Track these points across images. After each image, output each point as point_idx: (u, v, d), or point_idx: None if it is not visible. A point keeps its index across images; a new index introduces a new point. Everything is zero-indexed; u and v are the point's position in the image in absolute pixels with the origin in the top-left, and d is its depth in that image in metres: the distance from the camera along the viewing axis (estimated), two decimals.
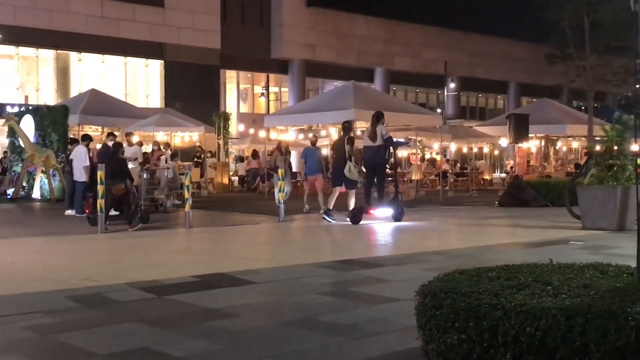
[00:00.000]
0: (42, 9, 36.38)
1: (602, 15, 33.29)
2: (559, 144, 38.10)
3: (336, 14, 48.28)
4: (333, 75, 47.67)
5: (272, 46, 46.79)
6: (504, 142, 33.75)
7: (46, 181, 22.63)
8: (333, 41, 48.38)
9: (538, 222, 14.59)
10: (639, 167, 9.11)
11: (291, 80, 48.01)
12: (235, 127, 41.37)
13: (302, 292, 7.03)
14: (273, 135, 30.12)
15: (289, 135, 26.39)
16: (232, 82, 47.67)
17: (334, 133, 27.76)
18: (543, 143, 34.60)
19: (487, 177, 37.82)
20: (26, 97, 36.03)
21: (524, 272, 4.61)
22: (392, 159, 15.54)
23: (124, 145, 21.38)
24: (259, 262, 9.12)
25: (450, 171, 34.49)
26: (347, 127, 15.93)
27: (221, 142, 31.35)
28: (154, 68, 41.69)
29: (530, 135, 25.47)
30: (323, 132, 25.70)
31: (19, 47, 37.08)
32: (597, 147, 14.56)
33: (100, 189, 13.15)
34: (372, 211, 14.77)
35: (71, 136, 23.01)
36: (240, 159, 36.65)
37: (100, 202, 13.11)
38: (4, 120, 23.93)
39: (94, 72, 39.16)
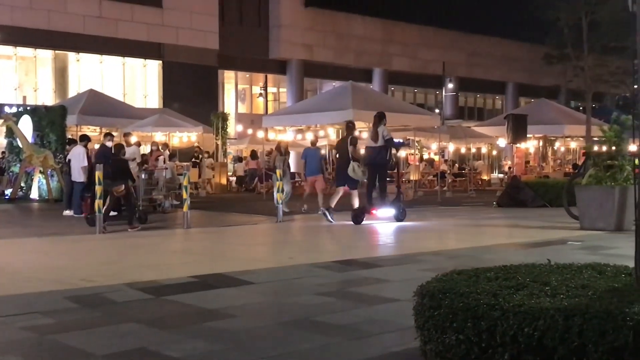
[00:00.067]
0: (40, 10, 36.35)
1: (600, 16, 33.33)
2: (557, 145, 38.11)
3: (334, 14, 48.28)
4: (331, 76, 47.65)
5: (270, 46, 46.79)
6: (502, 142, 33.74)
7: (44, 181, 22.62)
8: (331, 41, 48.38)
9: (536, 222, 14.60)
10: (637, 167, 9.12)
11: (289, 81, 48.01)
12: (233, 128, 41.38)
13: (301, 292, 7.03)
14: (271, 135, 30.12)
15: (287, 135, 26.38)
16: (231, 83, 47.66)
17: (332, 133, 27.78)
18: (541, 143, 34.62)
19: (485, 177, 37.84)
20: (24, 98, 35.99)
21: (522, 272, 4.61)
22: (393, 160, 15.57)
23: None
24: (257, 263, 9.11)
25: (449, 171, 34.51)
26: (351, 127, 15.95)
27: (219, 142, 31.35)
28: (152, 68, 41.67)
29: (528, 135, 25.48)
30: (321, 133, 25.70)
31: (17, 48, 37.02)
32: (595, 148, 14.58)
33: (98, 189, 13.14)
34: (374, 211, 14.80)
35: (69, 136, 23.01)
36: (238, 159, 36.65)
37: (98, 203, 13.11)
38: (2, 120, 23.91)
39: (92, 72, 39.12)
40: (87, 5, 37.76)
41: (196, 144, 30.89)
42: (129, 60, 40.80)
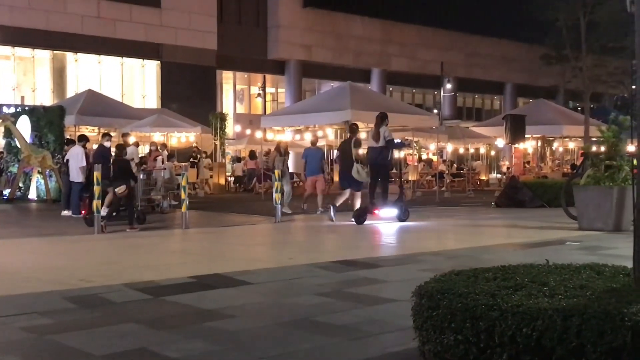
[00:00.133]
0: (39, 10, 36.31)
1: (599, 16, 33.30)
2: (555, 145, 38.13)
3: (333, 14, 48.26)
4: (330, 76, 47.63)
5: (269, 47, 46.77)
6: (500, 142, 33.74)
7: (42, 182, 22.60)
8: (330, 42, 48.36)
9: (534, 222, 14.61)
10: (636, 167, 9.13)
11: (288, 81, 47.98)
12: (231, 128, 41.35)
13: (300, 292, 7.04)
14: (269, 135, 30.12)
15: (285, 135, 26.39)
16: (229, 83, 47.64)
17: (331, 134, 27.79)
18: (539, 144, 34.63)
19: (483, 177, 37.85)
20: (22, 98, 35.93)
21: (521, 272, 4.62)
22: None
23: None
24: (256, 263, 9.12)
25: (447, 172, 34.51)
26: (354, 128, 15.97)
27: (218, 142, 31.33)
28: (151, 69, 41.64)
29: (526, 136, 25.48)
30: (320, 133, 25.71)
31: (15, 48, 36.98)
32: (594, 148, 14.60)
33: (96, 189, 13.14)
34: (376, 211, 14.83)
35: (67, 137, 22.99)
36: (237, 159, 36.63)
37: (97, 203, 13.11)
38: (0, 120, 23.88)
39: (90, 72, 39.09)
40: (85, 5, 37.73)
41: (194, 144, 30.88)
42: (128, 61, 40.77)
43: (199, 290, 7.10)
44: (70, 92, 37.27)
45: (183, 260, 9.97)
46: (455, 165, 39.90)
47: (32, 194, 23.16)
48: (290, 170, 23.62)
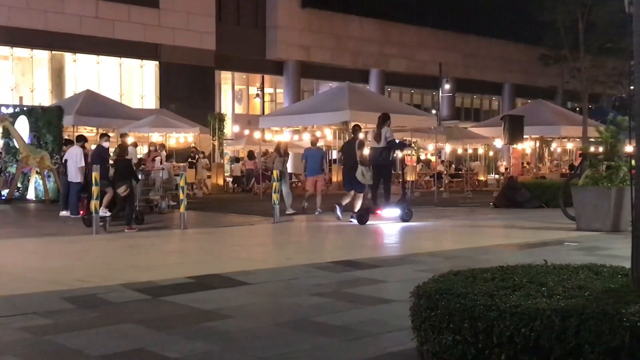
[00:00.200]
0: (37, 10, 36.28)
1: (597, 17, 33.36)
2: (553, 145, 38.18)
3: (331, 15, 48.25)
4: (328, 77, 47.64)
5: (267, 47, 46.76)
6: (498, 143, 33.77)
7: (41, 182, 22.58)
8: (328, 42, 48.35)
9: (532, 223, 14.61)
10: (634, 168, 9.13)
11: (286, 82, 47.98)
12: (230, 128, 41.32)
13: (298, 293, 7.04)
14: (268, 136, 30.14)
15: (284, 136, 26.41)
16: (227, 83, 47.64)
17: (329, 134, 27.83)
18: (538, 144, 34.67)
19: (481, 178, 37.86)
20: (21, 98, 35.91)
21: (519, 273, 4.62)
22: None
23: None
24: (254, 263, 9.12)
25: (445, 172, 34.52)
26: (357, 129, 15.97)
27: (216, 143, 31.33)
28: (149, 69, 41.63)
29: (525, 136, 25.50)
30: (318, 133, 25.73)
31: (14, 48, 36.96)
32: (592, 149, 14.61)
33: (94, 190, 13.13)
34: (379, 212, 14.85)
35: (66, 137, 22.97)
36: (235, 159, 36.62)
37: (95, 203, 13.10)
38: None
39: (88, 73, 39.07)
40: (84, 5, 37.70)
41: (193, 145, 30.87)
42: (126, 61, 40.75)
43: (198, 291, 7.09)
44: (68, 93, 37.25)
45: (181, 260, 9.97)
46: (453, 165, 39.91)
47: (31, 195, 23.14)
48: (289, 170, 23.62)
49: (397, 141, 15.62)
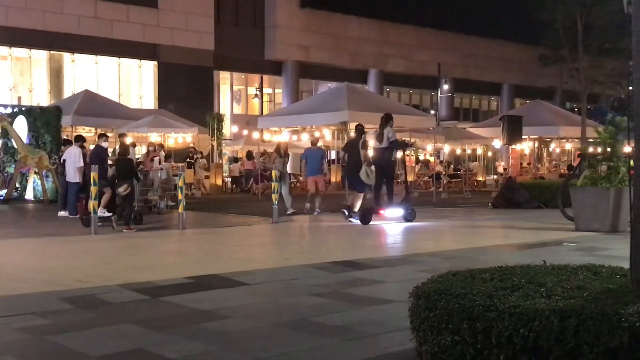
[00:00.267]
0: (35, 10, 36.25)
1: (596, 17, 33.37)
2: (552, 146, 38.20)
3: (330, 15, 48.25)
4: (327, 77, 47.64)
5: (266, 47, 46.75)
6: (497, 143, 33.80)
7: (39, 182, 22.56)
8: (327, 42, 48.35)
9: (531, 223, 14.62)
10: (632, 168, 9.13)
11: (285, 82, 47.98)
12: (228, 128, 41.32)
13: (296, 293, 7.04)
14: (267, 136, 30.12)
15: (282, 136, 26.41)
16: (226, 84, 47.62)
17: (328, 134, 27.82)
18: (536, 145, 34.68)
19: (480, 178, 37.88)
20: (19, 98, 35.89)
21: (518, 273, 4.62)
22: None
23: (117, 146, 21.42)
24: (252, 264, 9.11)
25: (444, 173, 34.53)
26: (360, 129, 15.97)
27: (215, 143, 31.32)
28: (148, 69, 41.61)
29: (523, 136, 25.52)
30: (317, 134, 25.73)
31: (12, 48, 36.93)
32: (590, 149, 14.61)
33: (93, 190, 13.13)
34: (381, 211, 14.87)
35: (64, 137, 22.96)
36: (234, 160, 36.62)
37: (93, 204, 13.10)
38: None
39: (87, 73, 39.06)
40: (82, 5, 37.68)
41: (191, 145, 30.87)
42: (125, 61, 40.73)
43: (196, 291, 7.09)
44: (67, 93, 37.24)
45: (180, 260, 9.97)
46: (452, 166, 39.93)
47: (29, 195, 23.12)
48: (288, 171, 23.61)
49: (399, 141, 15.68)
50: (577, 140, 33.98)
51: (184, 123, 29.89)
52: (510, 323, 3.65)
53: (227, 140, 37.98)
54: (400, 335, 4.95)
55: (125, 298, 6.77)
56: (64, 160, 17.78)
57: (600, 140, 13.25)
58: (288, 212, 17.09)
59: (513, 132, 22.54)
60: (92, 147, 18.03)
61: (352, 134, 20.90)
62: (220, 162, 32.72)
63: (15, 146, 23.06)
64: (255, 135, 29.91)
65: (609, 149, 13.00)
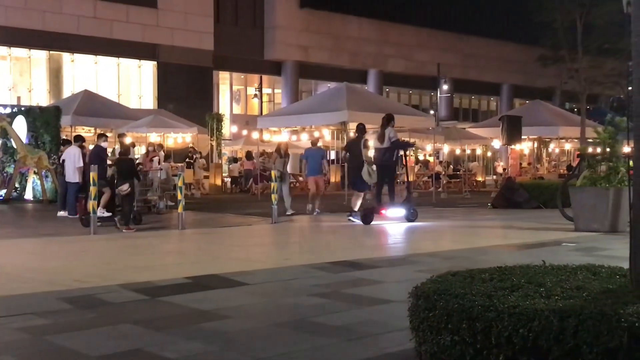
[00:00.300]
0: (35, 10, 36.25)
1: (595, 18, 33.37)
2: (551, 146, 38.21)
3: (329, 15, 48.25)
4: (326, 77, 47.65)
5: (265, 47, 46.75)
6: (496, 143, 33.81)
7: (38, 182, 22.56)
8: (326, 43, 48.35)
9: (531, 223, 14.62)
10: (632, 169, 9.14)
11: (284, 82, 47.99)
12: (228, 129, 41.34)
13: (295, 293, 7.04)
14: (266, 136, 30.11)
15: (282, 136, 26.41)
16: (225, 84, 47.63)
17: (327, 134, 27.82)
18: (536, 145, 34.69)
19: (480, 178, 37.89)
20: (18, 98, 35.88)
21: (517, 273, 4.62)
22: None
23: (116, 146, 21.42)
24: (252, 264, 9.11)
25: (443, 173, 34.54)
26: (361, 128, 15.98)
27: (214, 143, 31.33)
28: (147, 69, 41.61)
29: (523, 137, 25.52)
30: (316, 134, 25.73)
31: (11, 48, 36.94)
32: (590, 149, 14.62)
33: (92, 190, 13.12)
34: (383, 211, 14.89)
35: (64, 137, 22.96)
36: (233, 160, 36.63)
37: (93, 204, 13.09)
38: None
39: (86, 73, 39.06)
40: (81, 5, 37.68)
41: (191, 145, 30.87)
42: (124, 61, 40.73)
43: (196, 291, 7.09)
44: (66, 93, 37.25)
45: (179, 260, 9.96)
46: (451, 166, 39.95)
47: (28, 195, 23.12)
48: (288, 171, 23.61)
49: (402, 141, 15.71)
50: (576, 140, 33.99)
51: (183, 123, 29.89)
52: (510, 323, 3.65)
53: (226, 140, 37.99)
54: (400, 335, 4.95)
55: (124, 298, 6.77)
56: (63, 160, 17.78)
57: (600, 141, 13.25)
58: (287, 213, 17.08)
59: (512, 132, 22.55)
60: (91, 147, 18.03)
61: (352, 134, 20.93)
62: (220, 162, 32.73)
63: (14, 146, 23.06)
64: (255, 135, 29.91)
65: (608, 149, 13.00)
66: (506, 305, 3.74)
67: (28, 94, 37.22)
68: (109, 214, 14.57)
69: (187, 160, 29.35)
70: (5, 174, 24.15)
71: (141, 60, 41.13)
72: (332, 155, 34.07)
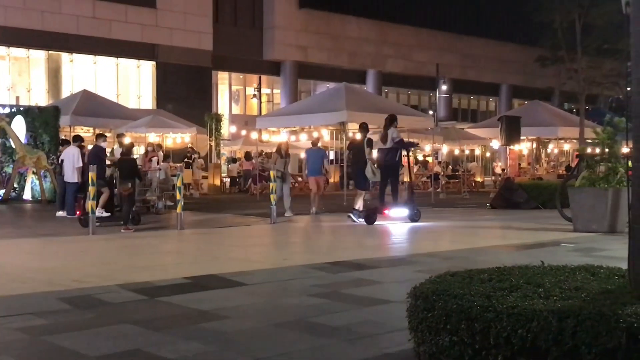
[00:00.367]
0: (34, 10, 36.26)
1: (594, 18, 33.40)
2: (550, 147, 38.21)
3: (328, 15, 48.27)
4: (325, 77, 47.68)
5: (264, 48, 46.77)
6: (495, 144, 33.82)
7: (37, 182, 22.57)
8: (325, 43, 48.37)
9: (529, 224, 14.62)
10: (631, 169, 9.14)
11: (283, 82, 48.00)
12: (227, 129, 41.35)
13: (294, 293, 7.04)
14: (265, 136, 30.12)
15: (281, 136, 26.41)
16: (224, 84, 47.63)
17: (326, 135, 27.82)
18: (534, 145, 34.70)
19: (478, 179, 37.90)
20: (17, 98, 35.88)
21: (516, 274, 4.62)
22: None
23: (115, 146, 21.41)
24: (251, 264, 9.11)
25: (442, 173, 34.54)
26: (365, 128, 16.01)
27: (213, 143, 31.32)
28: (146, 69, 41.62)
29: (521, 137, 25.53)
30: (315, 134, 25.73)
31: (10, 48, 36.94)
32: (589, 150, 14.62)
33: (91, 190, 13.12)
34: (386, 211, 14.91)
35: (62, 137, 22.95)
36: (232, 160, 36.63)
37: (91, 204, 13.09)
38: None
39: (85, 73, 39.06)
40: (80, 5, 37.68)
41: (189, 145, 30.87)
42: (123, 61, 40.74)
43: (194, 291, 7.09)
44: (65, 93, 37.24)
45: (178, 261, 9.96)
46: (450, 166, 39.96)
47: (27, 195, 23.12)
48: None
49: (405, 141, 15.76)
50: (575, 140, 34.00)
51: (182, 123, 29.89)
52: (509, 324, 3.65)
53: (225, 140, 38.00)
54: (399, 336, 4.95)
55: (123, 298, 6.76)
56: (62, 160, 17.78)
57: (599, 141, 13.25)
58: (286, 214, 17.03)
59: (511, 132, 22.56)
60: (90, 147, 18.03)
61: (352, 134, 20.94)
62: (219, 162, 32.74)
63: (13, 146, 23.06)
64: (254, 135, 29.94)
65: (607, 150, 13.00)
66: (505, 306, 3.74)
67: (27, 94, 37.21)
68: (108, 214, 14.56)
69: (186, 160, 29.35)
70: (4, 174, 24.14)
71: (140, 60, 41.13)
72: (331, 155, 34.08)
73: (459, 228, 14.85)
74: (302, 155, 26.32)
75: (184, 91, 40.40)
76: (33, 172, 22.80)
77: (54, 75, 38.90)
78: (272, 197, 15.56)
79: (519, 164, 34.77)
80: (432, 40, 53.32)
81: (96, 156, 15.41)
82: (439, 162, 37.79)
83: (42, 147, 22.82)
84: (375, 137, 16.12)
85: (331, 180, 30.56)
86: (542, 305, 3.70)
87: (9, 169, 23.80)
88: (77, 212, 16.00)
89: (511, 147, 24.94)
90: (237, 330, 5.46)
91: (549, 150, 38.81)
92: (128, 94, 40.95)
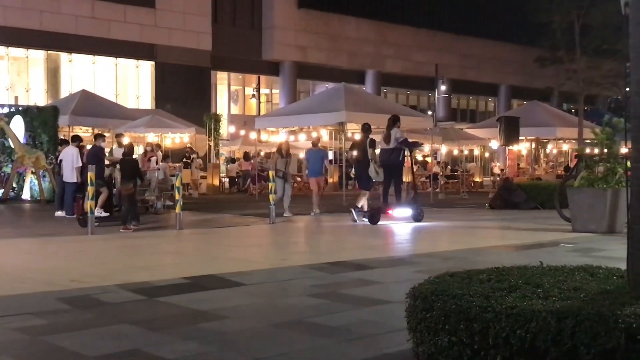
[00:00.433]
0: (33, 10, 36.25)
1: (593, 19, 33.41)
2: (549, 147, 38.23)
3: (327, 15, 48.29)
4: (324, 77, 47.68)
5: (263, 48, 46.78)
6: (494, 144, 33.82)
7: (36, 182, 22.56)
8: (324, 43, 48.39)
9: (528, 224, 14.62)
10: (629, 169, 9.15)
11: (282, 82, 48.01)
12: (226, 129, 41.35)
13: (293, 294, 7.04)
14: (264, 137, 30.11)
15: (280, 137, 26.40)
16: (223, 84, 47.63)
17: (325, 135, 27.81)
18: (533, 146, 34.71)
19: (477, 179, 37.91)
20: (16, 98, 35.87)
21: (515, 274, 4.62)
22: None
23: (114, 146, 21.41)
24: (250, 264, 9.11)
25: (441, 173, 34.54)
26: (368, 128, 16.02)
27: (212, 143, 31.32)
28: (145, 69, 41.61)
29: (520, 137, 25.54)
30: (314, 134, 25.73)
31: (9, 48, 36.93)
32: (588, 150, 14.63)
33: (90, 190, 13.12)
34: (389, 211, 14.92)
35: (61, 137, 22.94)
36: (231, 160, 36.62)
37: (90, 204, 13.09)
38: None
39: (84, 73, 39.06)
40: (79, 5, 37.68)
41: (188, 145, 30.86)
42: (122, 61, 40.73)
43: (193, 291, 7.09)
44: (64, 93, 37.23)
45: (177, 261, 9.96)
46: (449, 166, 39.96)
47: (26, 195, 23.12)
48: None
49: (409, 141, 15.78)
50: (574, 141, 34.01)
51: (181, 123, 29.90)
52: (507, 324, 3.65)
53: (224, 140, 37.99)
54: (398, 336, 4.95)
55: (122, 298, 6.76)
56: (61, 160, 17.78)
57: (597, 142, 13.25)
58: (285, 214, 17.00)
59: (510, 133, 22.58)
60: (89, 147, 18.02)
61: (351, 134, 20.94)
62: (218, 162, 32.73)
63: (12, 146, 23.05)
64: (253, 135, 29.94)
65: (605, 150, 13.01)
66: (504, 306, 3.75)
67: (26, 94, 37.20)
68: (107, 214, 14.56)
69: (185, 160, 29.34)
70: (2, 174, 24.13)
71: (139, 60, 41.13)
72: (330, 155, 34.06)
73: (458, 228, 14.85)
74: (302, 155, 26.29)
75: (183, 91, 40.40)
76: (32, 172, 22.79)
77: (53, 75, 38.90)
78: (271, 197, 15.55)
79: (518, 164, 34.79)
80: (431, 41, 53.34)
81: (95, 156, 15.41)
82: (438, 163, 37.79)
83: (41, 147, 22.81)
84: (377, 138, 16.15)
85: (331, 180, 30.55)
86: (541, 306, 3.71)
87: (7, 169, 23.79)
88: (75, 213, 16.01)
89: (510, 147, 24.97)
90: (236, 331, 5.46)
91: (547, 151, 38.84)
92: (127, 94, 40.95)
